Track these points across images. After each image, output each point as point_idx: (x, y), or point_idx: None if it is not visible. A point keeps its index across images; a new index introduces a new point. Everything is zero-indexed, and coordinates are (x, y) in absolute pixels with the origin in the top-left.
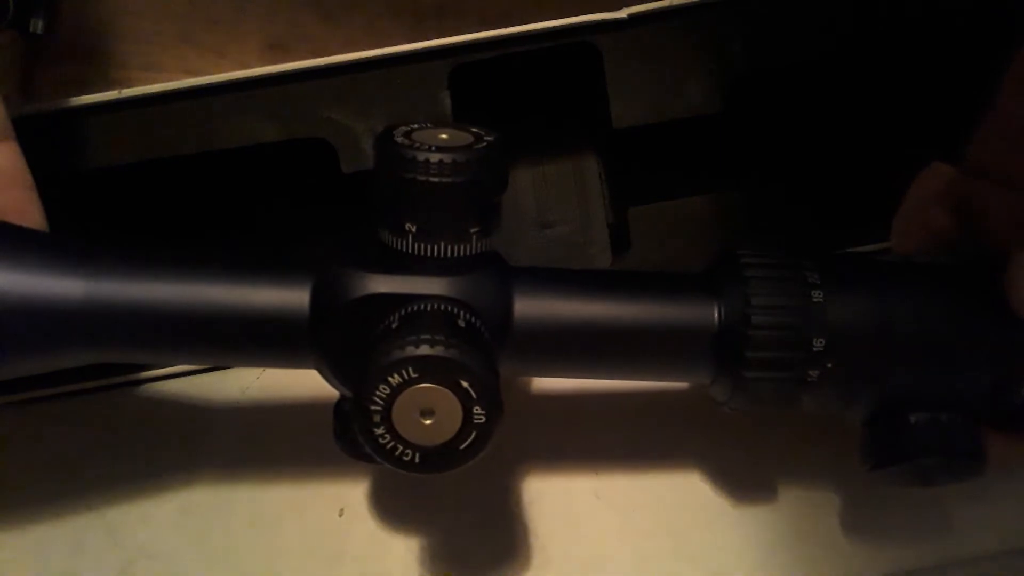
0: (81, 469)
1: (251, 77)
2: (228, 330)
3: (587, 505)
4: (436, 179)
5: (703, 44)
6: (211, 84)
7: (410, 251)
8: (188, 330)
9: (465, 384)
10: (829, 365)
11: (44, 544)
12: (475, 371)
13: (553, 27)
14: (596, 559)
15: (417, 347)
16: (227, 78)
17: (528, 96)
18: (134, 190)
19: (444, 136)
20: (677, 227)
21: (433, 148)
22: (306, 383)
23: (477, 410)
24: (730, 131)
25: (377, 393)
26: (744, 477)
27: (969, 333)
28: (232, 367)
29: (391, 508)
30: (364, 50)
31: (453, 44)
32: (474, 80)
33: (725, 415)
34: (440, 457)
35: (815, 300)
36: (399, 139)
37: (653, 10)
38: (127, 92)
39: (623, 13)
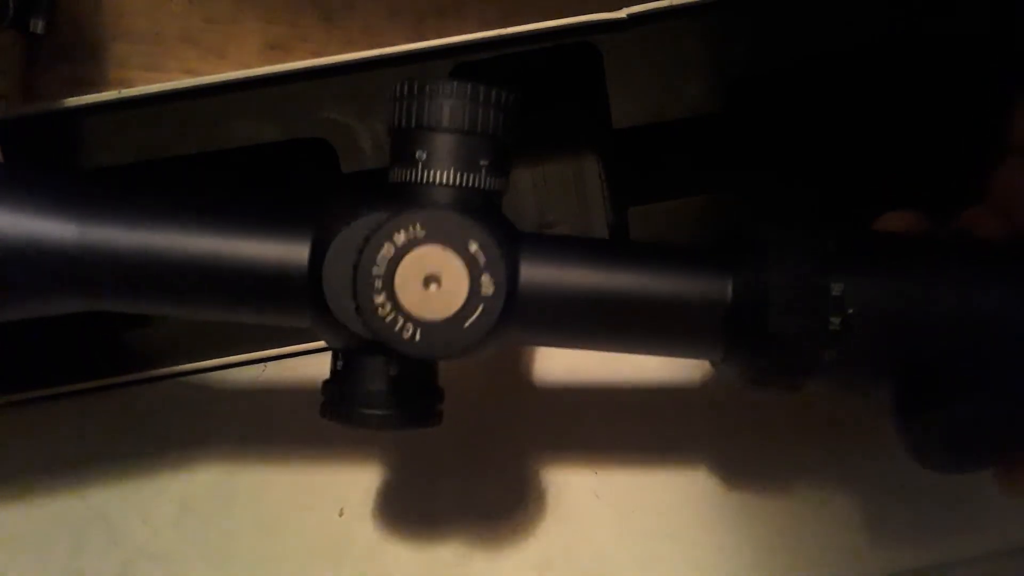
0: (81, 469)
1: (251, 77)
2: (222, 281)
3: (587, 505)
4: (451, 100)
5: (703, 44)
6: (211, 84)
7: (418, 180)
8: (181, 279)
9: (474, 248)
10: (848, 342)
11: (44, 544)
12: (486, 234)
13: (553, 27)
14: (596, 559)
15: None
16: (227, 78)
17: (528, 96)
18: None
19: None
20: (677, 227)
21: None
22: (306, 383)
23: (484, 279)
24: (730, 131)
25: (381, 252)
26: (744, 477)
27: (1003, 320)
28: (225, 320)
29: (391, 508)
30: (364, 50)
31: (453, 44)
32: (474, 80)
33: (725, 414)
34: (441, 336)
35: (834, 273)
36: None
37: (653, 10)
38: (127, 92)
39: (623, 13)
